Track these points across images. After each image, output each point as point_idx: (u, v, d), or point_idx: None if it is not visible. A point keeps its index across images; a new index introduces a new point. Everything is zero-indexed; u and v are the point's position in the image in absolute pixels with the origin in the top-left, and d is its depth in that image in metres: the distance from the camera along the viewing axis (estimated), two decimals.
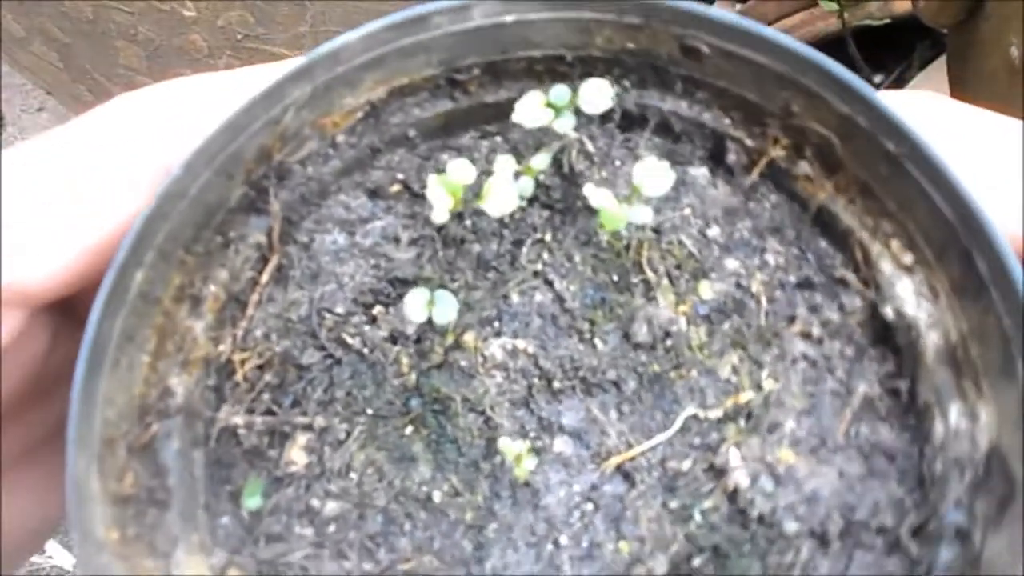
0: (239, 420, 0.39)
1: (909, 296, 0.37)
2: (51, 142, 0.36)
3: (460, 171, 0.38)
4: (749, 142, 0.40)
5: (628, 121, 0.42)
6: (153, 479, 0.36)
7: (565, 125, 0.38)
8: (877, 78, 1.44)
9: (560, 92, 0.38)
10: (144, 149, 0.37)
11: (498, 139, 0.43)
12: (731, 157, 0.41)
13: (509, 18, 0.37)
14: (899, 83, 1.46)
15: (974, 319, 0.34)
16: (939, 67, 1.33)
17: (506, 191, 0.37)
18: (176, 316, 0.38)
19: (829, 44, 1.39)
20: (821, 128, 0.37)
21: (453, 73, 0.40)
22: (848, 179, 0.38)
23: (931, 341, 0.36)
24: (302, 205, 0.41)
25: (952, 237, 0.34)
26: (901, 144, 0.34)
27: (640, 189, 0.37)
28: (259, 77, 0.39)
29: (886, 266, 0.38)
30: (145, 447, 0.36)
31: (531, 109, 0.37)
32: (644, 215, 0.38)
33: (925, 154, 0.33)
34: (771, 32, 0.35)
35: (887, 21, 1.35)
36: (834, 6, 1.22)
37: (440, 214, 0.38)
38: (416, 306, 0.39)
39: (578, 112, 0.38)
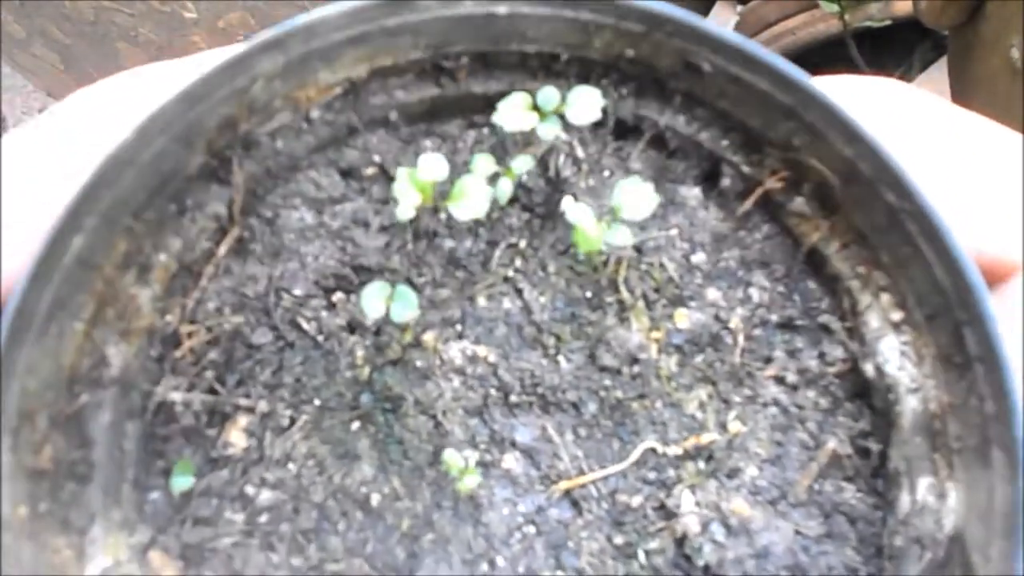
0: (178, 396, 0.38)
1: (893, 355, 0.34)
2: None
3: (431, 166, 0.36)
4: (745, 169, 0.37)
5: (622, 129, 0.39)
6: (76, 451, 0.35)
7: (549, 132, 0.35)
8: None
9: (548, 95, 0.35)
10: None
11: (485, 131, 0.40)
12: (725, 182, 0.38)
13: (502, 9, 0.34)
14: None
15: (956, 394, 0.32)
16: (940, 68, 1.32)
17: (478, 194, 0.35)
18: (119, 283, 0.36)
19: (830, 45, 1.38)
20: (822, 167, 0.34)
21: (441, 59, 0.37)
22: (844, 223, 0.35)
23: (909, 407, 0.34)
24: (268, 178, 0.39)
25: (944, 305, 0.31)
26: (903, 198, 0.31)
27: (619, 211, 0.34)
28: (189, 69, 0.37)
29: (873, 320, 0.35)
30: (71, 418, 0.35)
31: (514, 111, 0.34)
32: (623, 237, 0.35)
33: (927, 213, 0.30)
34: (778, 61, 0.32)
35: (888, 22, 1.34)
36: (835, 7, 1.21)
37: (405, 211, 0.35)
38: (374, 300, 0.37)
39: (565, 119, 0.35)
